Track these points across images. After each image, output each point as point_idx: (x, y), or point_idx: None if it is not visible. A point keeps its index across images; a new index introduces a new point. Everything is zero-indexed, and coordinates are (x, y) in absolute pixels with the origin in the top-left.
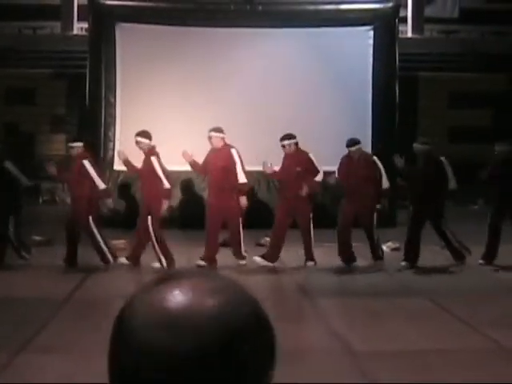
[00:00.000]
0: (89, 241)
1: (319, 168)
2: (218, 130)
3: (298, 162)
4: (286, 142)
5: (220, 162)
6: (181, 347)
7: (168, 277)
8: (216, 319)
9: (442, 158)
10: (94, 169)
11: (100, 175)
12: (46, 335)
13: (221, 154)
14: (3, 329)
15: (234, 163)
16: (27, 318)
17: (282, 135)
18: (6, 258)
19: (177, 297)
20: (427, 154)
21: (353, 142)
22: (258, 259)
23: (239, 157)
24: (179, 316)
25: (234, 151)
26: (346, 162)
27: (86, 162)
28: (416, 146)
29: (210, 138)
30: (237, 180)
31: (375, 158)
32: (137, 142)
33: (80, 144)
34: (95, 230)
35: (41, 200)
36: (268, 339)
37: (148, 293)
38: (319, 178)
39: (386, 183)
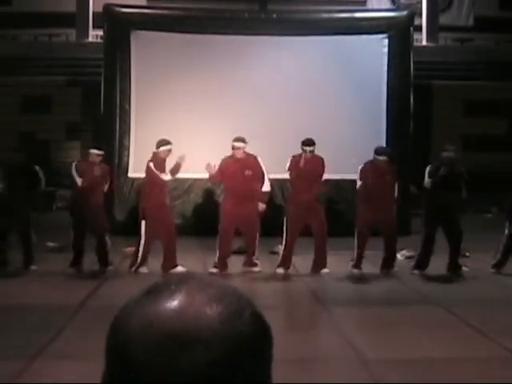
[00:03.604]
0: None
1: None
2: (242, 139)
3: (314, 165)
4: (308, 148)
5: (246, 171)
6: (179, 362)
7: (162, 286)
8: (216, 331)
9: (461, 169)
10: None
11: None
12: (60, 342)
13: (245, 163)
14: (19, 335)
15: (261, 172)
16: (42, 324)
17: (304, 140)
18: (19, 264)
19: (173, 308)
20: (454, 163)
21: (382, 151)
22: (279, 270)
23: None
24: (175, 329)
25: (260, 160)
26: (370, 168)
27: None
28: (445, 154)
29: (234, 147)
30: (260, 188)
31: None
32: (170, 150)
33: (97, 151)
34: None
35: (55, 207)
36: (268, 344)
37: (143, 302)
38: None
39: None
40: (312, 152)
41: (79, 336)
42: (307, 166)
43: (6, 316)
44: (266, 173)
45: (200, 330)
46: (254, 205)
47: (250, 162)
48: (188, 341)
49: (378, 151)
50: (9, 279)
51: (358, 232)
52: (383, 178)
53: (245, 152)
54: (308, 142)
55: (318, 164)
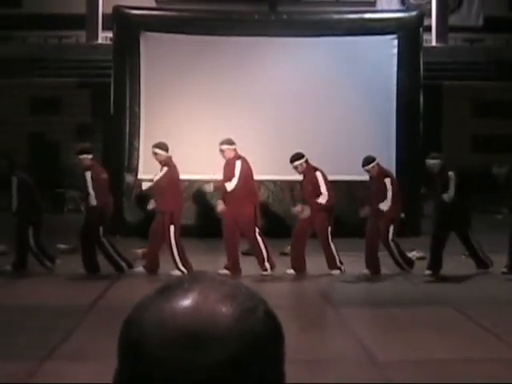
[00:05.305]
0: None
1: (323, 190)
2: (229, 142)
3: (308, 180)
4: (295, 164)
5: (228, 173)
6: (193, 359)
7: (175, 284)
8: (230, 329)
9: (450, 173)
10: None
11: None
12: (71, 343)
13: (230, 166)
14: (30, 336)
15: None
16: (53, 326)
17: (290, 157)
18: (31, 266)
19: (187, 305)
20: (439, 169)
21: (367, 161)
22: (291, 271)
23: (240, 168)
24: (190, 326)
25: (238, 162)
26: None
27: (87, 174)
28: (428, 161)
29: (221, 151)
30: (250, 190)
31: (387, 179)
32: (154, 154)
33: (87, 156)
34: (104, 240)
35: (65, 209)
36: (281, 341)
37: (156, 300)
38: (322, 199)
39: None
40: (296, 167)
41: (90, 337)
42: (303, 181)
43: (18, 316)
44: (236, 175)
45: (214, 328)
46: (244, 206)
47: (232, 164)
48: (202, 338)
49: (362, 163)
50: (20, 280)
51: None
52: (372, 187)
53: (235, 154)
54: (292, 159)
55: (308, 178)
